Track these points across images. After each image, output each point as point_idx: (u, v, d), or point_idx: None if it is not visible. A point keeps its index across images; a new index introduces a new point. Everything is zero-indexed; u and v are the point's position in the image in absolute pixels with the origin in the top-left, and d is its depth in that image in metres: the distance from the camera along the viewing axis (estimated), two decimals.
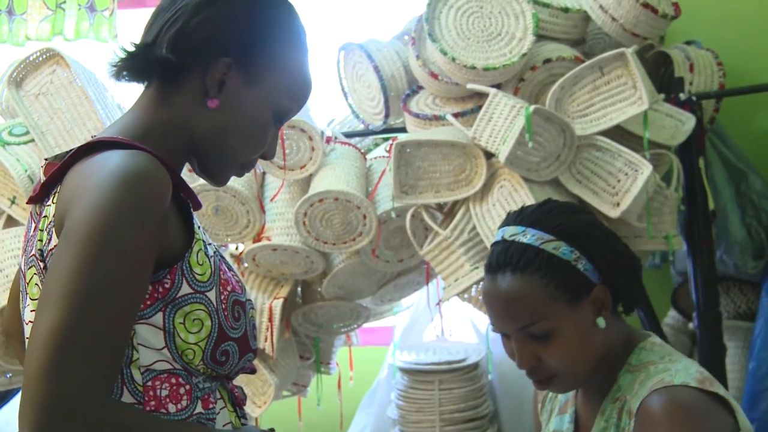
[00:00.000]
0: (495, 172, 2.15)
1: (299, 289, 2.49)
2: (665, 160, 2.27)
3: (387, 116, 2.41)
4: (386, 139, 2.56)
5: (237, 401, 1.20)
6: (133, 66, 1.16)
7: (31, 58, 2.31)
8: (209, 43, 1.14)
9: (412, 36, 2.31)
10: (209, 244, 1.16)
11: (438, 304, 2.44)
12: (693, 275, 2.35)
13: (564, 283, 1.27)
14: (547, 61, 2.17)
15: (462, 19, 2.18)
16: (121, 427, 0.97)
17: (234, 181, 2.21)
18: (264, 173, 2.35)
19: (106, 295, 0.97)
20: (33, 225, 1.17)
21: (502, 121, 2.06)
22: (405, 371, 2.56)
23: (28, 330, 1.13)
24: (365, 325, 2.62)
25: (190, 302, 1.08)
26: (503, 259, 1.29)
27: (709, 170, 2.50)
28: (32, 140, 2.33)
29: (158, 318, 1.07)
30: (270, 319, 2.23)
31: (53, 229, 1.07)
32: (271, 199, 2.29)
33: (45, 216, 1.11)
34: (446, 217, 2.29)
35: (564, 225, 1.30)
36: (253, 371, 1.25)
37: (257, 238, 2.27)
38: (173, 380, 1.08)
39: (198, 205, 1.16)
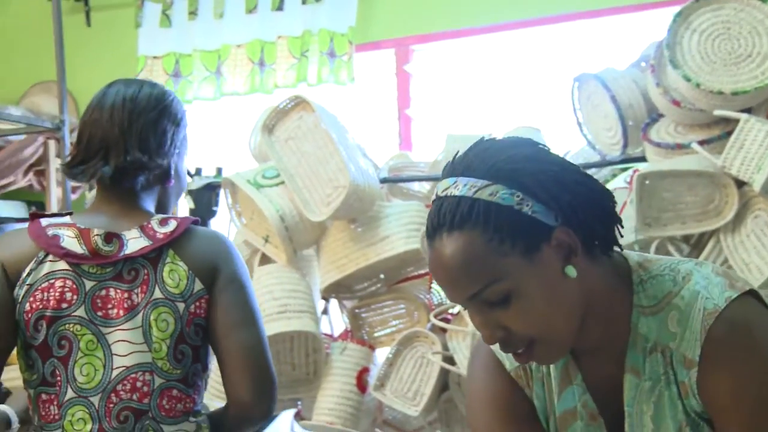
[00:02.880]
0: (747, 201, 2.03)
1: None
2: None
3: (625, 146, 2.34)
4: (624, 170, 2.49)
5: None
6: None
7: (282, 106, 2.48)
8: None
9: (651, 63, 2.24)
10: None
11: None
12: None
13: (511, 233, 1.05)
14: None
15: (707, 42, 2.09)
16: None
17: None
18: None
19: None
20: None
21: (756, 148, 1.94)
22: None
23: None
24: None
25: None
26: (437, 219, 1.09)
27: None
28: (282, 182, 2.49)
29: None
30: None
31: None
32: None
33: None
34: (693, 249, 2.19)
35: (498, 164, 1.07)
36: None
37: None
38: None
39: None
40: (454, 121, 3.23)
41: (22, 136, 3.20)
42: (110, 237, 1.44)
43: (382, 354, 2.51)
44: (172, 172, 1.54)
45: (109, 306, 1.42)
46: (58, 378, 1.42)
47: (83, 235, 1.43)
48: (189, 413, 1.47)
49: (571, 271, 1.07)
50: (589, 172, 2.43)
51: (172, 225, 1.47)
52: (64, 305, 1.41)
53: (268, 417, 1.52)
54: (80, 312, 1.42)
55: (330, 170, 2.38)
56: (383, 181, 2.58)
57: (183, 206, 2.92)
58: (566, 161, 1.12)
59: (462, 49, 3.30)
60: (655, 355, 1.09)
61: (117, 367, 1.42)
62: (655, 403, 1.10)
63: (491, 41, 3.24)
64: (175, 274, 1.44)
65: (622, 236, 1.13)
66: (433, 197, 1.12)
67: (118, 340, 1.42)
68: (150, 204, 1.54)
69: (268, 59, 3.29)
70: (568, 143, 2.65)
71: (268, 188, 2.50)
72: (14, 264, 1.44)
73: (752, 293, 1.09)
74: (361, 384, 2.44)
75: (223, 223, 2.79)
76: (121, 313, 1.42)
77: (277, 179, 2.50)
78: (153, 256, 1.45)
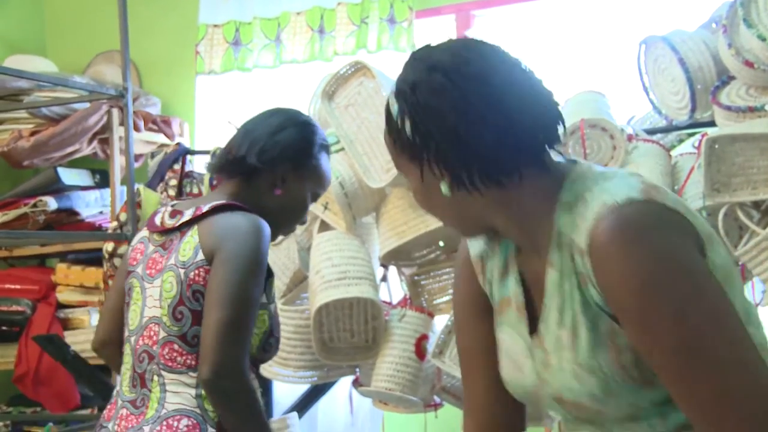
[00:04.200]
0: None
1: None
2: None
3: (693, 110, 2.27)
4: (691, 135, 2.42)
5: None
6: None
7: (342, 72, 2.46)
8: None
9: (722, 24, 2.16)
10: None
11: (756, 306, 2.26)
12: None
13: (396, 138, 1.14)
14: None
15: None
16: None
17: None
18: None
19: None
20: None
21: None
22: None
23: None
24: None
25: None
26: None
27: None
28: (342, 149, 2.48)
29: None
30: None
31: None
32: None
33: None
34: (764, 215, 2.12)
35: (407, 77, 1.11)
36: None
37: None
38: None
39: None
40: None
41: (87, 105, 3.24)
42: (174, 213, 1.75)
43: (441, 321, 2.50)
44: (278, 182, 1.78)
45: (152, 266, 1.74)
46: (125, 320, 1.77)
47: (164, 212, 1.77)
48: (191, 368, 1.66)
49: (444, 188, 1.12)
50: (655, 137, 2.38)
51: (208, 207, 1.72)
52: (134, 263, 1.78)
53: (224, 394, 1.61)
54: (139, 269, 1.76)
55: None
56: None
57: None
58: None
59: (524, 13, 3.24)
60: (565, 248, 1.10)
61: (145, 317, 1.72)
62: (560, 293, 1.11)
63: (554, 5, 3.17)
64: (188, 245, 1.69)
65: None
66: None
67: (149, 295, 1.72)
68: (240, 200, 1.74)
69: (328, 26, 3.27)
70: (634, 108, 2.59)
71: None
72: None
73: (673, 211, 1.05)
74: (420, 351, 2.44)
75: None
76: (155, 273, 1.72)
77: (336, 146, 2.49)
78: (184, 230, 1.72)
